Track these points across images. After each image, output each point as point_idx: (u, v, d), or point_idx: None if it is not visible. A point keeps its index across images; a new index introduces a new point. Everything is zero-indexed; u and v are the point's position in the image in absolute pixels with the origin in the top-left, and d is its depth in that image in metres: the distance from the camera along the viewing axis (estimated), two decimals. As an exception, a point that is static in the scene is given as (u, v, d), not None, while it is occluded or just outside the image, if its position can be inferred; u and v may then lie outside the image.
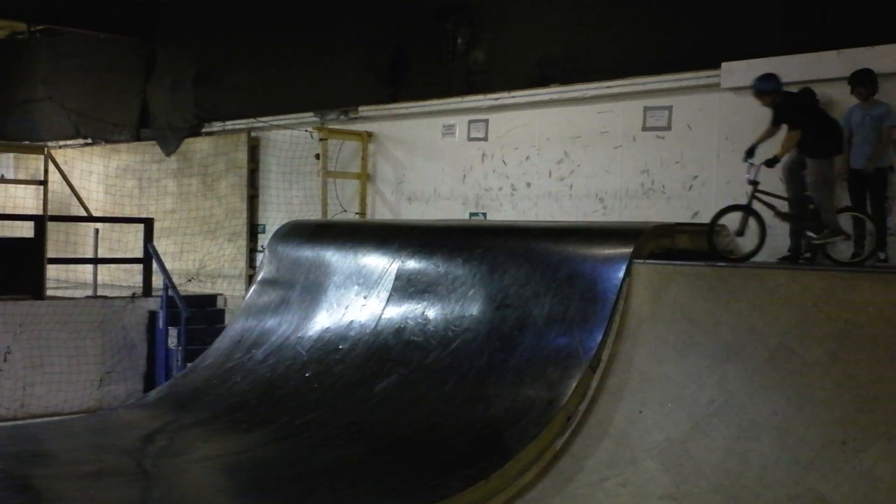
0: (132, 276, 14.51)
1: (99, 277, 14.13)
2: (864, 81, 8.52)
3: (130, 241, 14.95)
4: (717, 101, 9.91)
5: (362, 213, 13.39)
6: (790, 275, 7.84)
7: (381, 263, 10.72)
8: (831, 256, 8.65)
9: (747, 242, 9.04)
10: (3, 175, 18.58)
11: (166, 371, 12.78)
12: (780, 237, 9.28)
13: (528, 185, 11.54)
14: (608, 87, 10.74)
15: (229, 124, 15.54)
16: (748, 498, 6.79)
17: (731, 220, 8.91)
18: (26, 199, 15.87)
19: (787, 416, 7.09)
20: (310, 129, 13.86)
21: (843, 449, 6.71)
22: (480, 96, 12.05)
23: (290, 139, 14.28)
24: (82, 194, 15.56)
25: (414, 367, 9.31)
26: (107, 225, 15.30)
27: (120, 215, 16.53)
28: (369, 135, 13.42)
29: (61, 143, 18.41)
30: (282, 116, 14.48)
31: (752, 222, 8.80)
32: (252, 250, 14.96)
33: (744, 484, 6.89)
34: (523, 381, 8.42)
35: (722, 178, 9.88)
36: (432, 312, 9.74)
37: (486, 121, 12.03)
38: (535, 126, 11.52)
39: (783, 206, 8.82)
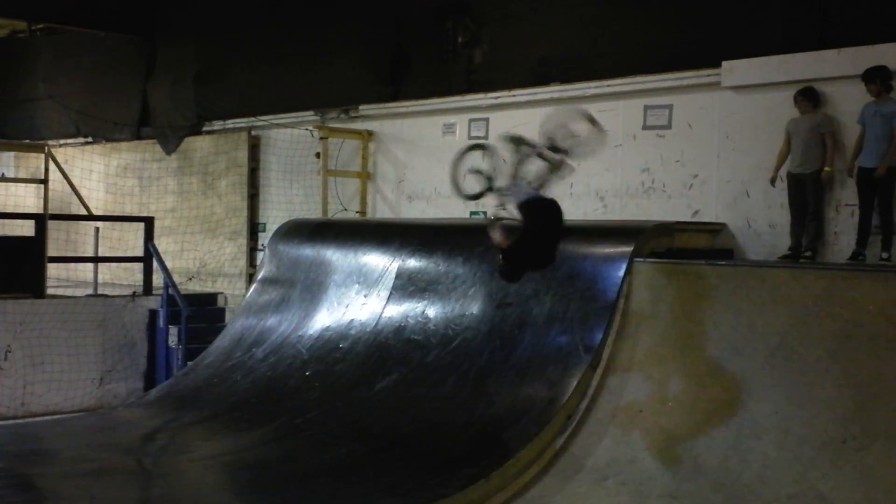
0: (132, 275, 14.50)
1: (99, 276, 14.12)
2: (874, 77, 8.52)
3: (131, 240, 14.94)
4: (717, 100, 9.90)
5: (363, 212, 13.38)
6: (791, 274, 7.84)
7: (381, 262, 10.72)
8: None
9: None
10: (3, 174, 18.56)
11: (167, 370, 12.77)
12: (780, 236, 9.28)
13: (529, 183, 11.50)
14: (608, 85, 10.73)
15: (230, 123, 15.53)
16: (748, 497, 6.79)
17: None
18: (27, 198, 15.86)
19: (788, 415, 7.09)
20: (310, 127, 13.85)
21: (844, 448, 6.71)
22: (481, 95, 12.03)
23: (290, 138, 14.27)
24: (83, 193, 15.56)
25: (414, 366, 9.32)
26: (107, 223, 15.28)
27: (120, 214, 16.51)
28: (370, 133, 13.41)
29: (62, 141, 18.39)
30: (282, 115, 14.47)
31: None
32: (252, 249, 14.95)
33: (744, 483, 6.89)
34: (523, 380, 8.42)
35: (722, 176, 9.87)
36: (433, 311, 9.75)
37: (487, 119, 12.02)
38: (536, 125, 11.47)
39: None
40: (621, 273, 8.59)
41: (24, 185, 16.06)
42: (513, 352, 8.73)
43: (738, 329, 7.73)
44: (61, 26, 17.44)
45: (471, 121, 12.18)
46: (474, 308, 9.41)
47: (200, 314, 13.06)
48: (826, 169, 8.87)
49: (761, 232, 9.54)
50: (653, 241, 9.01)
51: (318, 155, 13.34)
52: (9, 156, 19.23)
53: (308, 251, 11.79)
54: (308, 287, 11.33)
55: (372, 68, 13.58)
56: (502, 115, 11.82)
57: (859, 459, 6.60)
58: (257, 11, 15.23)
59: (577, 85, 11.04)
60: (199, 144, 16.03)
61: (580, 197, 11.00)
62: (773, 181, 9.19)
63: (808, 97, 9.00)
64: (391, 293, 10.30)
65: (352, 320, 10.44)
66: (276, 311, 11.37)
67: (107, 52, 17.72)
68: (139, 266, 13.78)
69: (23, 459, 8.88)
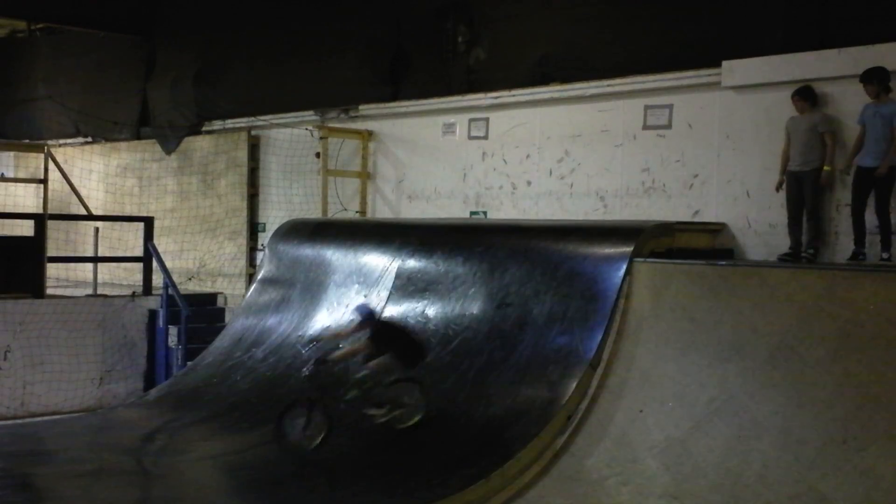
0: (132, 275, 14.49)
1: (99, 276, 14.11)
2: (871, 79, 8.51)
3: (130, 240, 14.93)
4: (717, 100, 9.89)
5: (363, 212, 13.38)
6: (791, 274, 7.84)
7: (381, 262, 10.72)
8: None
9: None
10: (3, 174, 18.56)
11: (166, 370, 12.76)
12: (780, 236, 9.28)
13: (529, 183, 11.53)
14: (609, 85, 10.73)
15: (230, 123, 15.52)
16: (749, 497, 6.78)
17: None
18: (26, 198, 15.85)
19: (788, 415, 7.09)
20: (310, 127, 13.84)
21: (844, 448, 6.70)
22: (481, 95, 12.03)
23: (290, 137, 14.27)
24: (82, 193, 15.53)
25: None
26: (107, 223, 15.27)
27: (120, 214, 16.51)
28: (370, 133, 13.41)
29: (61, 141, 18.39)
30: (282, 115, 14.47)
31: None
32: (252, 249, 14.95)
33: (744, 483, 6.89)
34: (524, 380, 8.42)
35: (723, 176, 9.87)
36: (432, 311, 9.74)
37: (487, 119, 12.01)
38: (536, 124, 11.51)
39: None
40: (621, 273, 8.58)
41: (23, 185, 16.05)
42: (513, 352, 8.72)
43: (738, 329, 7.72)
44: (61, 26, 17.42)
45: (471, 120, 12.18)
46: (474, 308, 9.40)
47: (200, 314, 13.05)
48: (826, 168, 8.86)
49: (761, 232, 9.54)
50: (653, 241, 9.01)
51: (318, 155, 13.34)
52: (8, 156, 19.23)
53: (308, 251, 11.78)
54: (308, 287, 11.32)
55: (372, 68, 13.58)
56: (502, 114, 11.82)
57: (859, 459, 6.59)
58: (257, 11, 15.23)
59: (577, 85, 11.05)
60: (198, 144, 16.02)
61: (580, 197, 11.01)
62: (778, 186, 9.17)
63: (805, 96, 9.00)
64: (391, 293, 10.29)
65: (352, 320, 10.41)
66: (276, 311, 11.36)
67: (107, 52, 17.72)
68: (139, 266, 13.78)
69: (23, 459, 8.89)
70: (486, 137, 12.03)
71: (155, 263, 13.33)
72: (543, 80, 11.51)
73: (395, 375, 8.44)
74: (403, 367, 8.49)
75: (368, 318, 8.78)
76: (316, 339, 9.05)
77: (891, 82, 8.55)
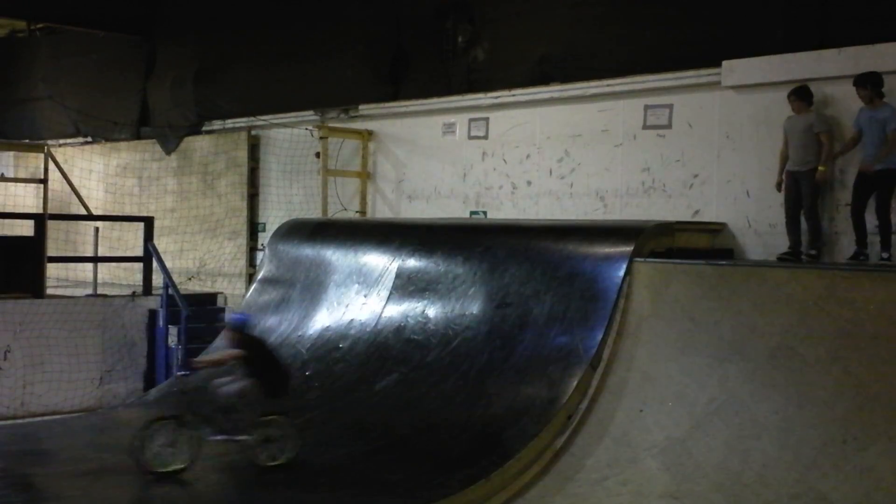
0: (132, 275, 14.49)
1: (99, 276, 14.11)
2: (864, 83, 8.51)
3: (130, 240, 14.94)
4: (717, 100, 9.90)
5: (363, 212, 13.38)
6: (791, 273, 7.84)
7: (381, 262, 10.72)
8: None
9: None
10: (3, 173, 18.55)
11: (166, 370, 12.76)
12: (780, 236, 9.28)
13: (529, 183, 11.53)
14: (609, 85, 10.73)
15: (229, 122, 15.53)
16: (749, 497, 6.79)
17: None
18: (26, 198, 15.85)
19: (788, 415, 7.09)
20: (310, 127, 13.85)
21: (844, 448, 6.71)
22: (481, 94, 12.03)
23: (290, 137, 14.27)
24: (82, 193, 15.55)
25: (414, 366, 9.32)
26: (107, 223, 15.28)
27: (120, 214, 16.51)
28: (370, 133, 13.41)
29: (61, 141, 18.39)
30: (282, 115, 14.47)
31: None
32: (252, 249, 14.96)
33: (745, 483, 6.89)
34: (524, 380, 8.43)
35: (723, 176, 9.87)
36: (433, 311, 9.74)
37: (487, 119, 12.01)
38: (536, 124, 11.51)
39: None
40: (621, 273, 8.59)
41: (23, 184, 16.06)
42: (513, 352, 8.73)
43: (738, 328, 7.73)
44: (61, 26, 17.43)
45: (471, 120, 12.18)
46: (474, 308, 9.41)
47: (200, 314, 13.05)
48: (820, 168, 8.86)
49: (761, 232, 9.54)
50: (653, 241, 9.01)
51: (317, 155, 13.34)
52: (8, 156, 19.22)
53: (308, 251, 11.79)
54: (308, 287, 11.32)
55: (372, 68, 13.58)
56: (502, 114, 11.82)
57: (859, 459, 6.60)
58: (257, 11, 15.23)
59: (577, 85, 11.05)
60: (198, 144, 16.02)
61: (580, 197, 11.01)
62: (778, 186, 9.17)
63: (801, 96, 9.00)
64: (391, 293, 10.30)
65: (352, 320, 10.44)
66: (276, 310, 11.37)
67: (106, 51, 17.73)
68: (139, 266, 13.78)
69: (23, 459, 8.88)
70: (486, 137, 12.04)
71: (155, 263, 13.33)
72: (543, 80, 11.52)
73: (263, 406, 8.18)
74: (266, 395, 8.16)
75: (238, 328, 8.47)
76: (195, 367, 8.73)
77: (884, 87, 8.54)
